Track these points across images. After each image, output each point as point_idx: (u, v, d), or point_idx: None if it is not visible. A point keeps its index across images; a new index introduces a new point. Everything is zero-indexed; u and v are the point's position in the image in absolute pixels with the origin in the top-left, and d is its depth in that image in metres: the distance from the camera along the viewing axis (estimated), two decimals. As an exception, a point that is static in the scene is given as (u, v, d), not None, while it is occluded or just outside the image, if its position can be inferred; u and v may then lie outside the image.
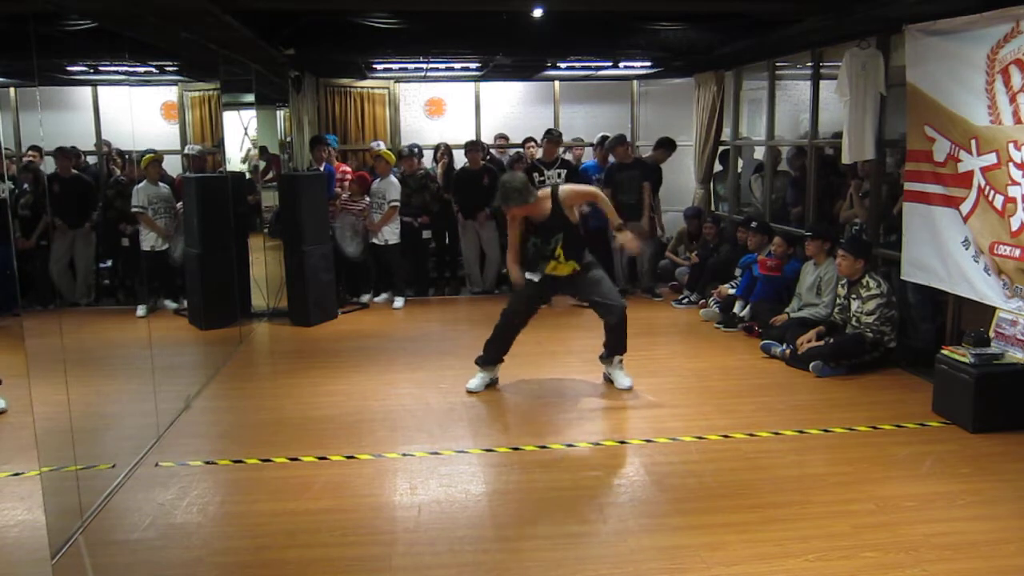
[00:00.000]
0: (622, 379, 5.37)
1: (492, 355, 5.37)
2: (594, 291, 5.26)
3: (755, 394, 5.23)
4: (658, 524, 3.50)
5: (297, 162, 8.49)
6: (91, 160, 8.89)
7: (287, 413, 4.97)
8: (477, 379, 5.33)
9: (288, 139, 8.53)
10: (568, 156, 9.14)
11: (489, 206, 8.12)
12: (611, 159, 8.16)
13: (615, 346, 5.37)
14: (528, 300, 5.31)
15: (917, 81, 5.30)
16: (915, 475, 3.98)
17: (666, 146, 8.33)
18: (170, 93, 9.46)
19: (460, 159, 8.73)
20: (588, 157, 9.29)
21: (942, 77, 5.07)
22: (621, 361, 5.42)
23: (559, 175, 7.77)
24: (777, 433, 4.52)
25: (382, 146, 8.65)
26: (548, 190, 5.18)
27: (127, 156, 8.48)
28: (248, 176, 8.66)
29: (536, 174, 7.75)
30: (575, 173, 7.93)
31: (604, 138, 8.70)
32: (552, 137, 7.96)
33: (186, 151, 8.54)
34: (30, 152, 8.26)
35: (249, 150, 8.75)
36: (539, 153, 8.25)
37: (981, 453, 4.21)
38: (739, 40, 7.10)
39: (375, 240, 7.93)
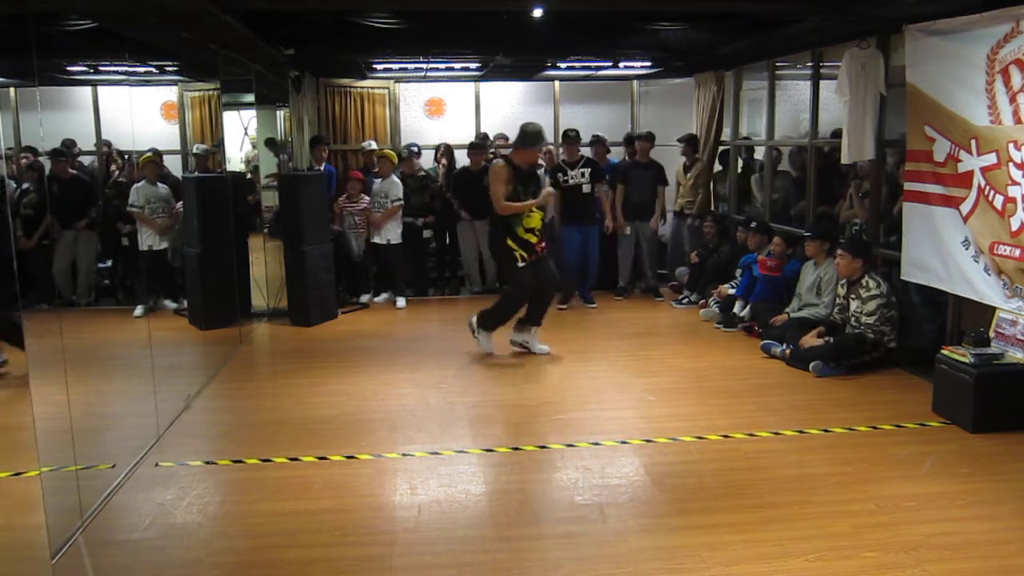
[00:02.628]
0: (540, 346, 6.16)
1: (495, 325, 6.12)
2: (547, 268, 6.10)
3: (755, 394, 5.23)
4: (658, 524, 3.51)
5: (297, 162, 8.49)
6: (87, 160, 8.88)
7: (287, 413, 4.97)
8: (485, 339, 6.09)
9: (288, 139, 8.53)
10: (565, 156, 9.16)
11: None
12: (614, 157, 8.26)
13: (535, 319, 6.17)
14: (532, 279, 5.93)
15: (917, 81, 5.30)
16: (915, 475, 3.98)
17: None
18: (170, 93, 9.45)
19: (462, 158, 8.72)
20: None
21: (942, 77, 5.07)
22: (535, 331, 6.18)
23: (583, 174, 7.70)
24: (777, 433, 4.52)
25: (373, 145, 8.62)
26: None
27: (127, 156, 8.48)
28: (248, 176, 8.66)
29: (560, 174, 7.66)
30: (600, 175, 7.83)
31: (596, 138, 8.74)
32: (570, 138, 7.83)
33: (194, 151, 8.54)
34: (23, 154, 8.22)
35: (248, 152, 8.74)
36: (562, 154, 8.06)
37: (981, 453, 4.21)
38: (739, 40, 7.10)
39: (377, 240, 7.94)
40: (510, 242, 5.84)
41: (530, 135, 5.91)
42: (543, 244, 5.98)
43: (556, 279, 6.25)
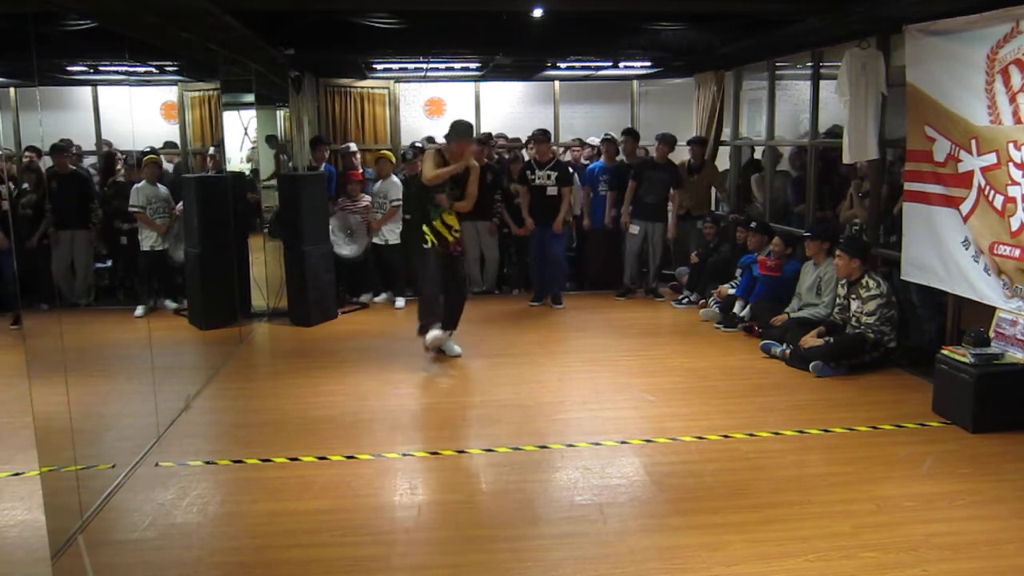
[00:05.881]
0: (453, 348, 6.19)
1: (432, 319, 6.08)
2: (456, 271, 6.18)
3: (755, 394, 5.23)
4: (658, 524, 3.51)
5: (297, 162, 8.49)
6: (88, 162, 8.89)
7: (287, 413, 4.97)
8: (436, 334, 6.00)
9: (288, 139, 8.53)
10: (567, 156, 9.16)
11: (494, 213, 8.15)
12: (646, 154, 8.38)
13: (451, 323, 6.16)
14: (440, 272, 6.04)
15: (917, 81, 5.30)
16: (915, 475, 3.98)
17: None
18: (170, 93, 9.46)
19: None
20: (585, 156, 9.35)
21: (942, 77, 5.07)
22: (451, 334, 6.19)
23: (549, 176, 7.72)
24: (777, 433, 4.52)
25: (353, 147, 8.58)
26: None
27: (126, 156, 8.50)
28: (248, 176, 8.66)
29: (528, 172, 7.82)
30: (567, 179, 7.84)
31: (607, 136, 8.75)
32: (537, 138, 7.83)
33: (210, 152, 8.62)
34: (27, 153, 8.26)
35: (250, 150, 8.76)
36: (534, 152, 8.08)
37: (981, 453, 4.21)
38: (739, 40, 7.10)
39: (376, 240, 7.95)
40: (424, 227, 5.95)
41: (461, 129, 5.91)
42: (459, 247, 6.02)
43: (462, 284, 6.30)
